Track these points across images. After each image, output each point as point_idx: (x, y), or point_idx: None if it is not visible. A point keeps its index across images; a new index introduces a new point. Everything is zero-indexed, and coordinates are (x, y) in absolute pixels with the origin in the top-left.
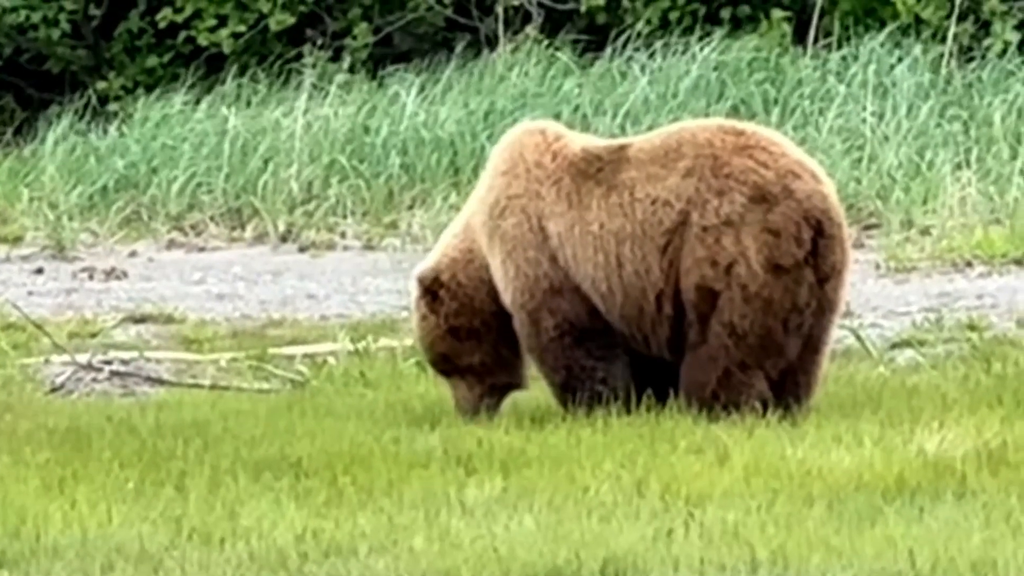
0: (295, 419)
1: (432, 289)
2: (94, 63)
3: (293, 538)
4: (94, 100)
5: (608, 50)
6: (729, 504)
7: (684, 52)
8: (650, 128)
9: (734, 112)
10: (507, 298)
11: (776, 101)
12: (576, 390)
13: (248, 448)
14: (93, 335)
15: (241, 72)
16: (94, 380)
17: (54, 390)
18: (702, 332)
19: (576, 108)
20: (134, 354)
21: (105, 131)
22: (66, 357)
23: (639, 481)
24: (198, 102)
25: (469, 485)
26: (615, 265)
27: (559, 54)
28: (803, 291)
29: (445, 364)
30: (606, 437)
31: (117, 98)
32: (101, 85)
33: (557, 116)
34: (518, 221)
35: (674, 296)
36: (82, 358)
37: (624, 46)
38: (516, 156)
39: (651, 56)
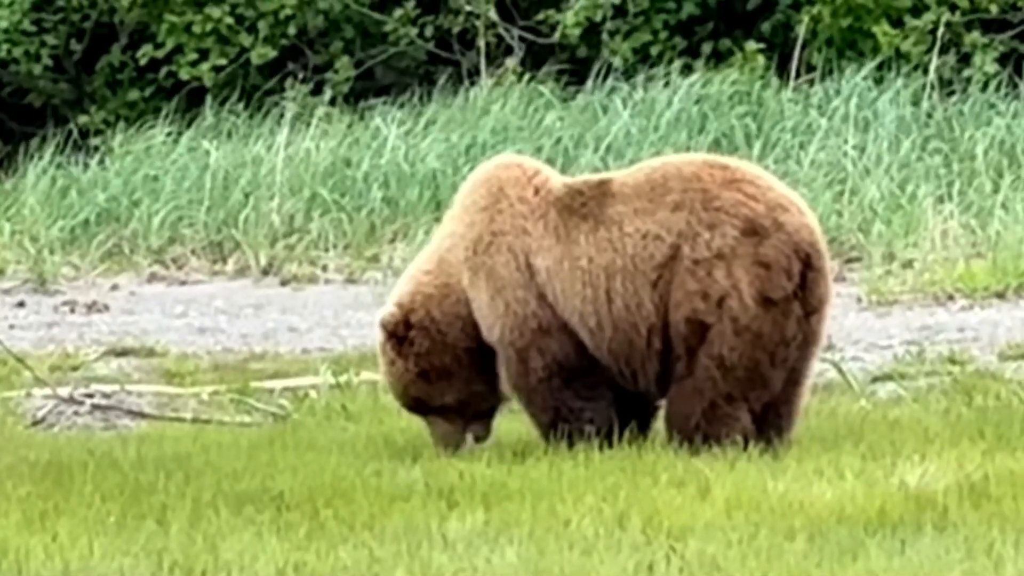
0: (277, 452)
1: (396, 333)
2: (76, 97)
3: (275, 571)
4: (75, 133)
5: (589, 83)
6: (710, 537)
7: (666, 85)
8: (632, 161)
9: (716, 145)
10: (494, 335)
11: (758, 134)
12: (566, 430)
13: (230, 481)
14: (75, 368)
15: (222, 105)
16: (75, 413)
17: (35, 423)
18: (689, 365)
19: (558, 141)
20: (116, 387)
21: (86, 164)
22: (47, 390)
23: (621, 514)
24: (179, 135)
25: (451, 518)
26: (605, 300)
27: (541, 87)
28: (791, 324)
29: (419, 407)
30: (587, 470)
31: (98, 132)
32: (82, 119)
33: (539, 149)
34: (506, 260)
35: (663, 330)
36: (64, 391)
37: (605, 79)
38: (496, 191)
39: (633, 89)
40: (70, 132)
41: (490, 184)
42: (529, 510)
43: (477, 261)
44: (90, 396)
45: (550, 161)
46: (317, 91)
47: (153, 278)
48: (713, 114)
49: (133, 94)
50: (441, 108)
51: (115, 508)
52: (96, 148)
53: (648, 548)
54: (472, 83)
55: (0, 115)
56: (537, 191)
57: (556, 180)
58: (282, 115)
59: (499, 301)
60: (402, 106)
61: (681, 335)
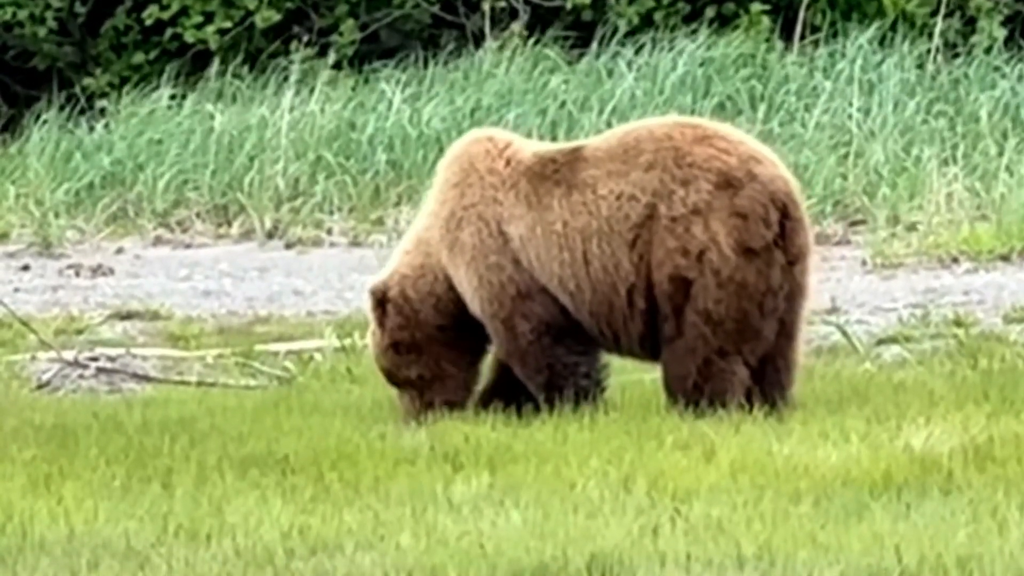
0: (282, 415)
1: (381, 303)
2: (80, 60)
3: (279, 535)
4: (80, 97)
5: (594, 46)
6: (715, 500)
7: (670, 48)
8: None
9: (720, 109)
10: (476, 308)
11: (762, 97)
12: (562, 388)
13: (235, 445)
14: (79, 332)
15: (227, 69)
16: (80, 377)
17: (40, 387)
18: (678, 324)
19: (563, 104)
20: (121, 351)
21: (91, 128)
22: (52, 354)
23: (626, 477)
24: (184, 98)
25: (456, 481)
26: (582, 262)
27: (545, 51)
28: (775, 273)
29: (388, 377)
30: (593, 434)
31: (103, 95)
32: (87, 82)
33: (543, 112)
34: (476, 229)
35: (647, 290)
36: (68, 355)
37: (610, 42)
38: (467, 166)
39: (637, 52)
40: (75, 95)
41: (461, 161)
42: (534, 473)
43: (451, 238)
44: (95, 359)
45: (554, 124)
46: (322, 54)
47: (158, 241)
48: (718, 77)
49: (138, 57)
50: (446, 71)
51: (120, 471)
52: (101, 111)
53: (653, 511)
54: (477, 46)
55: (4, 78)
56: (508, 162)
57: (528, 150)
58: (287, 78)
59: (472, 273)
60: (407, 69)
61: (666, 294)
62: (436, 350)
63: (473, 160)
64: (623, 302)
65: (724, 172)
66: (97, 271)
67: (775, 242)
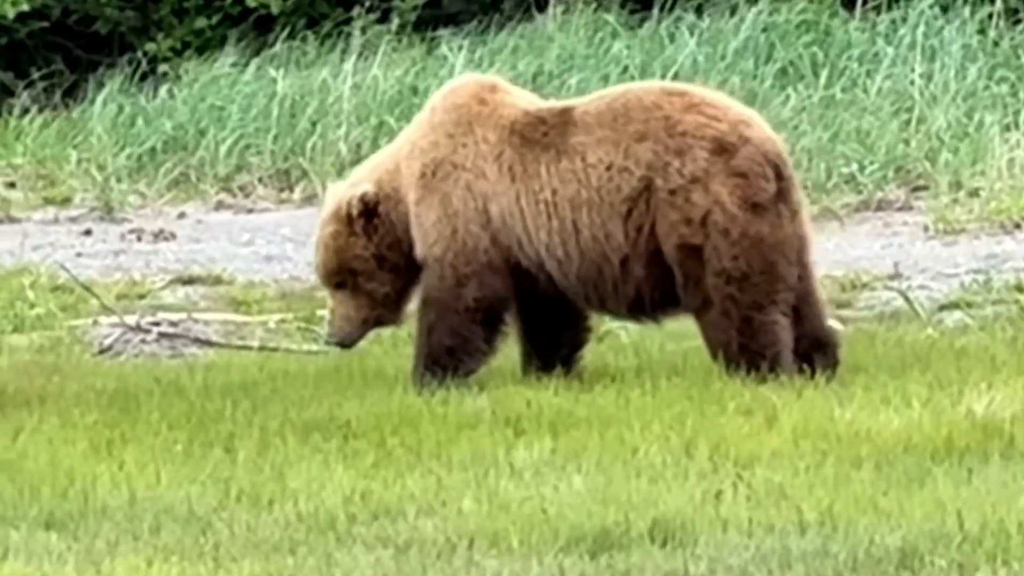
0: (344, 381)
1: (372, 212)
2: (142, 24)
3: (341, 500)
4: (143, 62)
5: (656, 11)
6: (777, 465)
7: (733, 13)
8: None
9: (782, 74)
10: (432, 251)
11: (824, 63)
12: (458, 362)
13: (296, 410)
14: (141, 297)
15: (290, 34)
16: (142, 342)
17: (102, 352)
18: (701, 294)
19: (624, 70)
20: (182, 316)
21: (154, 93)
22: (114, 319)
23: (688, 442)
24: (246, 64)
25: (518, 446)
26: (572, 231)
27: (607, 16)
28: (786, 223)
29: (349, 279)
30: (655, 399)
31: (165, 59)
32: (149, 46)
33: (605, 78)
34: (463, 196)
35: (647, 259)
36: (130, 320)
37: (672, 7)
38: (466, 124)
39: (699, 17)
40: (137, 60)
41: (461, 112)
42: (596, 438)
43: (431, 184)
44: (157, 324)
45: None
46: (384, 19)
47: (220, 206)
48: (780, 43)
49: (200, 22)
50: (508, 36)
51: (182, 436)
52: (163, 76)
53: (715, 476)
54: (539, 11)
55: (67, 43)
56: (502, 128)
57: (519, 108)
58: (349, 43)
59: (446, 225)
60: (469, 35)
61: (677, 263)
62: (404, 276)
63: (473, 120)
64: (615, 270)
65: (717, 138)
66: (159, 236)
67: (776, 198)
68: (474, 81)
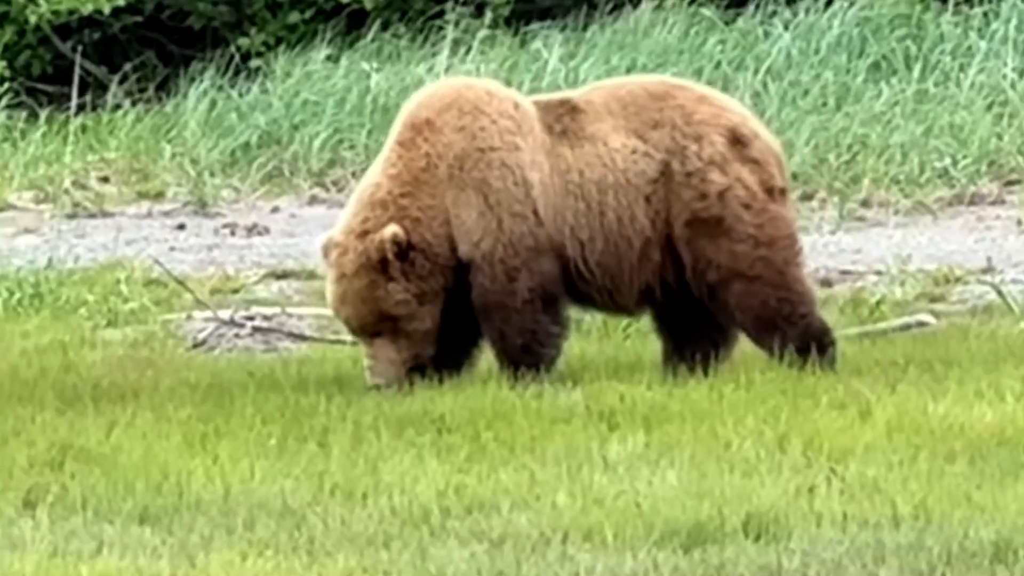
0: (437, 375)
1: (407, 249)
2: (236, 19)
3: (435, 494)
4: (236, 56)
5: (750, 6)
6: (871, 459)
7: (826, 8)
8: (792, 84)
9: (875, 68)
10: (479, 248)
11: (917, 57)
12: (538, 355)
13: (390, 404)
14: (235, 291)
15: (383, 28)
16: (236, 336)
17: (196, 346)
18: (717, 269)
19: (718, 64)
20: (276, 310)
21: (247, 88)
22: (208, 313)
23: (781, 437)
24: (340, 58)
25: (611, 441)
26: (597, 213)
27: (702, 10)
28: (794, 213)
29: (388, 325)
30: (748, 393)
31: (259, 54)
32: (243, 41)
33: (698, 72)
34: (501, 174)
35: (661, 245)
36: (224, 314)
37: (766, 2)
38: (470, 110)
39: (793, 11)
40: (230, 55)
41: (459, 105)
42: (690, 432)
43: (465, 178)
44: (251, 318)
45: (710, 84)
46: (478, 14)
47: (313, 200)
48: (873, 37)
49: (293, 16)
50: (602, 31)
51: (276, 430)
52: (256, 71)
53: (809, 470)
54: (634, 6)
55: (160, 38)
56: (515, 107)
57: (521, 98)
58: (442, 38)
59: (492, 217)
60: (563, 29)
61: (686, 241)
62: (441, 300)
63: (477, 104)
64: (635, 255)
65: (732, 129)
66: (253, 230)
67: (783, 189)
68: (451, 83)
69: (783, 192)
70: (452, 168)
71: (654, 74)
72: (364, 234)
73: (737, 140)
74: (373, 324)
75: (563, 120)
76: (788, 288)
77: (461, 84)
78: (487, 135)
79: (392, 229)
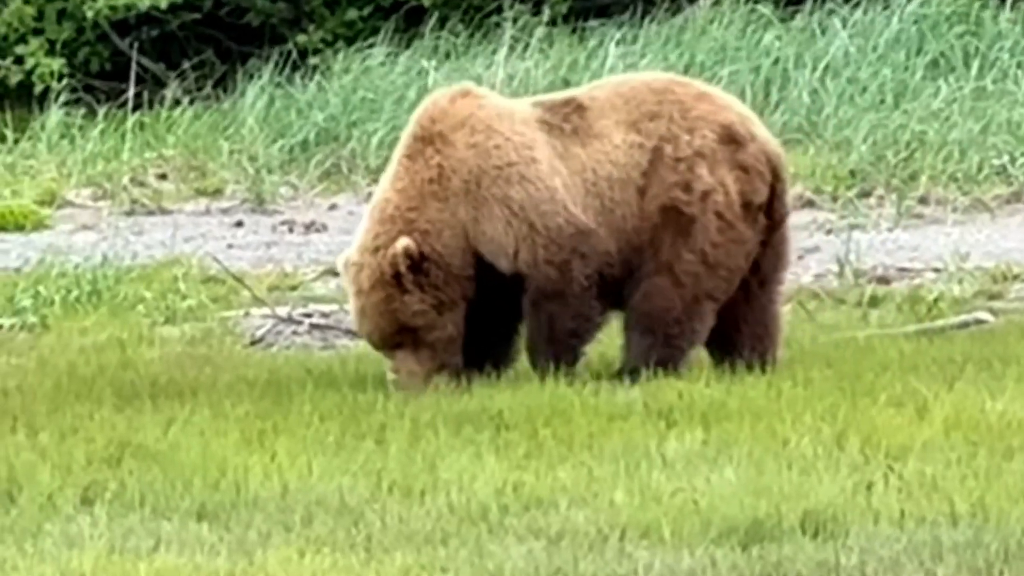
0: (494, 372)
1: (420, 261)
2: (294, 16)
3: (493, 491)
4: (294, 53)
5: (809, 3)
6: (929, 457)
7: (885, 6)
8: (850, 81)
9: (934, 66)
10: (521, 262)
11: (975, 55)
12: (582, 341)
13: (448, 401)
14: (293, 288)
15: (441, 25)
16: (294, 333)
17: (254, 343)
18: (663, 260)
19: (776, 61)
20: (334, 307)
21: (305, 84)
22: (266, 310)
23: (839, 434)
24: (398, 55)
25: (669, 438)
26: (608, 210)
27: (760, 7)
28: (757, 234)
29: (409, 337)
30: (806, 390)
31: (317, 51)
32: (301, 38)
33: (756, 69)
34: (522, 187)
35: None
36: (282, 311)
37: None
38: (482, 128)
39: (852, 9)
40: (288, 52)
41: (473, 120)
42: (748, 430)
43: (484, 195)
44: (308, 315)
45: (767, 82)
46: (536, 11)
47: (371, 198)
48: (931, 34)
49: (351, 13)
50: (660, 28)
51: (334, 427)
52: (314, 68)
53: (867, 468)
54: (691, 3)
55: (219, 35)
56: (523, 120)
57: (520, 103)
58: (501, 35)
59: (522, 224)
60: (621, 26)
61: (655, 225)
62: (463, 307)
63: (487, 121)
64: (628, 249)
65: (727, 127)
66: (310, 227)
67: (765, 202)
68: (447, 94)
69: (760, 208)
70: (468, 183)
71: (710, 71)
72: (376, 250)
73: (731, 139)
74: (393, 336)
75: (571, 119)
76: (692, 314)
77: (459, 97)
78: (502, 152)
79: (403, 243)
